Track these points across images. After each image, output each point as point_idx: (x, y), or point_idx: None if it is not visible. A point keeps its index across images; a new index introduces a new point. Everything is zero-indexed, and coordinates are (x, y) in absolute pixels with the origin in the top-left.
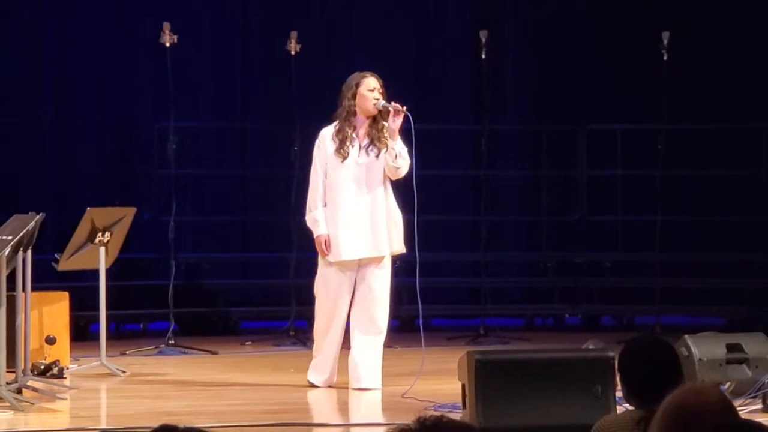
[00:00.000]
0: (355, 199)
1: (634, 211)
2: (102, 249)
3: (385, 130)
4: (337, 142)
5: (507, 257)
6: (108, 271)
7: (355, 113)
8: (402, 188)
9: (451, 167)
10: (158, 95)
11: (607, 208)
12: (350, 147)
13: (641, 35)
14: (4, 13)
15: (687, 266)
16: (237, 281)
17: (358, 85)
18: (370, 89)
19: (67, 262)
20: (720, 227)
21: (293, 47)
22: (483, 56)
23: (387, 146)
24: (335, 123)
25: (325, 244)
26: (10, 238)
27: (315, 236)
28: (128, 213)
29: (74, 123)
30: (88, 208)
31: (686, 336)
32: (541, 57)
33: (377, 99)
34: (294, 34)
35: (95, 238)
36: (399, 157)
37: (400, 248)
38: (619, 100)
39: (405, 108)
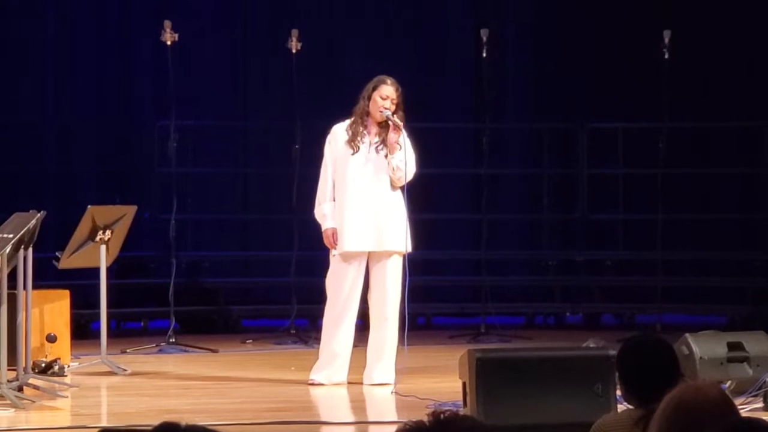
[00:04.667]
0: (363, 193)
1: (634, 209)
2: (103, 247)
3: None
4: (350, 133)
5: (508, 256)
6: (109, 269)
7: (368, 114)
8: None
9: (451, 165)
10: (159, 93)
11: (608, 207)
12: (360, 143)
13: (642, 33)
14: (5, 11)
15: (688, 265)
16: (238, 279)
17: (374, 89)
18: (383, 97)
19: (68, 260)
20: (721, 226)
21: (294, 45)
22: (484, 54)
23: (388, 156)
24: (351, 118)
25: (333, 237)
26: (11, 236)
27: (323, 230)
28: (129, 211)
29: (75, 121)
30: (89, 206)
31: (687, 335)
32: (541, 55)
33: (385, 108)
34: (295, 32)
35: (96, 236)
36: (397, 170)
37: (406, 247)
38: (620, 98)
39: (402, 125)
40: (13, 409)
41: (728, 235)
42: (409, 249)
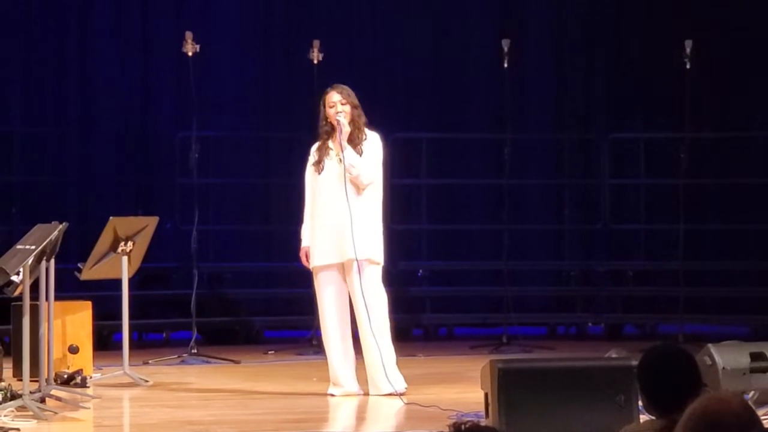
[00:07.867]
0: (328, 208)
1: (656, 219)
2: (125, 258)
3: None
4: (316, 156)
5: (530, 266)
6: (131, 281)
7: (328, 129)
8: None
9: (473, 176)
10: (181, 104)
11: (630, 217)
12: (326, 159)
13: (664, 44)
14: (28, 24)
15: (710, 275)
16: (259, 290)
17: (323, 103)
18: (330, 105)
19: (90, 272)
20: (743, 235)
21: (316, 56)
22: (505, 65)
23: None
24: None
25: (306, 256)
26: (33, 247)
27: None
28: (151, 222)
29: (97, 133)
30: (111, 218)
31: (710, 345)
32: (563, 66)
33: (337, 113)
34: (316, 43)
35: (118, 247)
36: (352, 168)
37: (372, 256)
38: (641, 108)
39: (339, 122)
40: (36, 421)
41: (750, 244)
42: (374, 257)
